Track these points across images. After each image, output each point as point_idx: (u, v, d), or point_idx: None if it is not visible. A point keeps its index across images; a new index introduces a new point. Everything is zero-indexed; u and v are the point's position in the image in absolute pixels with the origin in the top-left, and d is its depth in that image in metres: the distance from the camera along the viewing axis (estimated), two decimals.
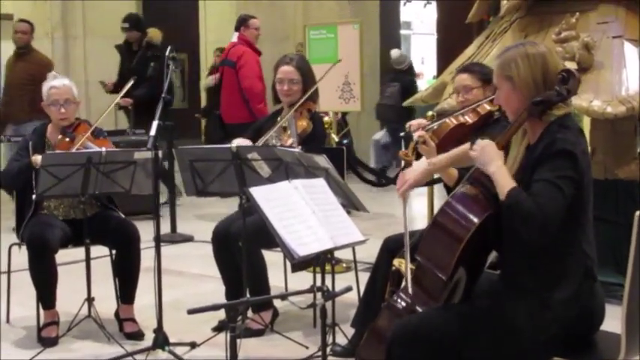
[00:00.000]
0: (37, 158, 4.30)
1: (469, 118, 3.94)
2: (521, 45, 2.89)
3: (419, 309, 2.85)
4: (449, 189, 3.78)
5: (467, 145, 3.17)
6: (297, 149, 4.36)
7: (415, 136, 3.96)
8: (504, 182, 2.70)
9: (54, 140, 4.61)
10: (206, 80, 10.44)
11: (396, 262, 3.33)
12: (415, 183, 3.26)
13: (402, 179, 3.27)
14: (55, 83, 4.62)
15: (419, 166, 3.32)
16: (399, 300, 2.93)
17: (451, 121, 3.95)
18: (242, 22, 7.79)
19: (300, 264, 3.32)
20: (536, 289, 2.74)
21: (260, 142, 4.43)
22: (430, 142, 3.88)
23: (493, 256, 3.02)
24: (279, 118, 4.68)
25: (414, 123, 4.09)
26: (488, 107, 3.93)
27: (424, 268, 2.87)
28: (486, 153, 2.78)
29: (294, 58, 4.81)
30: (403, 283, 3.04)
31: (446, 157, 3.35)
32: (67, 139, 4.50)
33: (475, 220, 2.74)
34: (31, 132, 4.76)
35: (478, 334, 2.75)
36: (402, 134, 4.26)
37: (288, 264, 4.78)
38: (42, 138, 4.64)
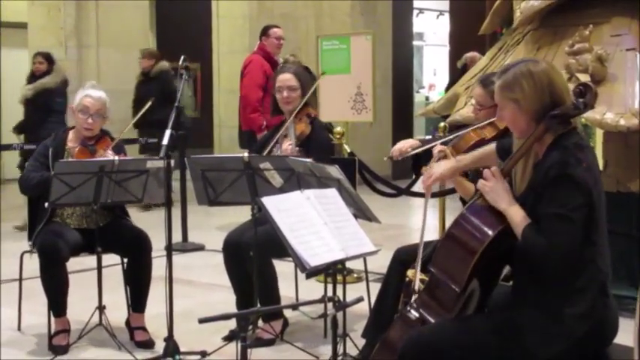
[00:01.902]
0: None
1: (488, 133, 3.93)
2: (522, 63, 2.83)
3: (431, 320, 2.84)
4: (464, 202, 3.77)
5: (492, 146, 3.28)
6: (296, 149, 4.36)
7: (435, 151, 3.96)
8: (517, 220, 2.72)
9: (73, 149, 4.59)
10: (23, 91, 8.55)
11: (409, 273, 3.31)
12: (440, 177, 3.41)
13: (428, 173, 3.38)
14: (91, 92, 4.59)
15: (446, 163, 3.43)
16: (411, 311, 2.93)
17: (471, 137, 3.95)
18: (263, 32, 7.91)
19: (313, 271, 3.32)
20: (548, 304, 2.72)
21: (264, 154, 4.45)
22: (450, 157, 3.88)
23: (507, 268, 3.01)
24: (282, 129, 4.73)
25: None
26: None
27: (437, 279, 2.87)
28: (495, 191, 2.79)
29: (292, 66, 4.89)
30: (415, 296, 3.04)
31: (471, 156, 3.42)
32: (88, 151, 4.50)
33: (490, 232, 2.74)
34: (51, 138, 4.69)
35: (490, 346, 2.74)
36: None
37: (300, 274, 4.79)
38: (62, 145, 4.61)
